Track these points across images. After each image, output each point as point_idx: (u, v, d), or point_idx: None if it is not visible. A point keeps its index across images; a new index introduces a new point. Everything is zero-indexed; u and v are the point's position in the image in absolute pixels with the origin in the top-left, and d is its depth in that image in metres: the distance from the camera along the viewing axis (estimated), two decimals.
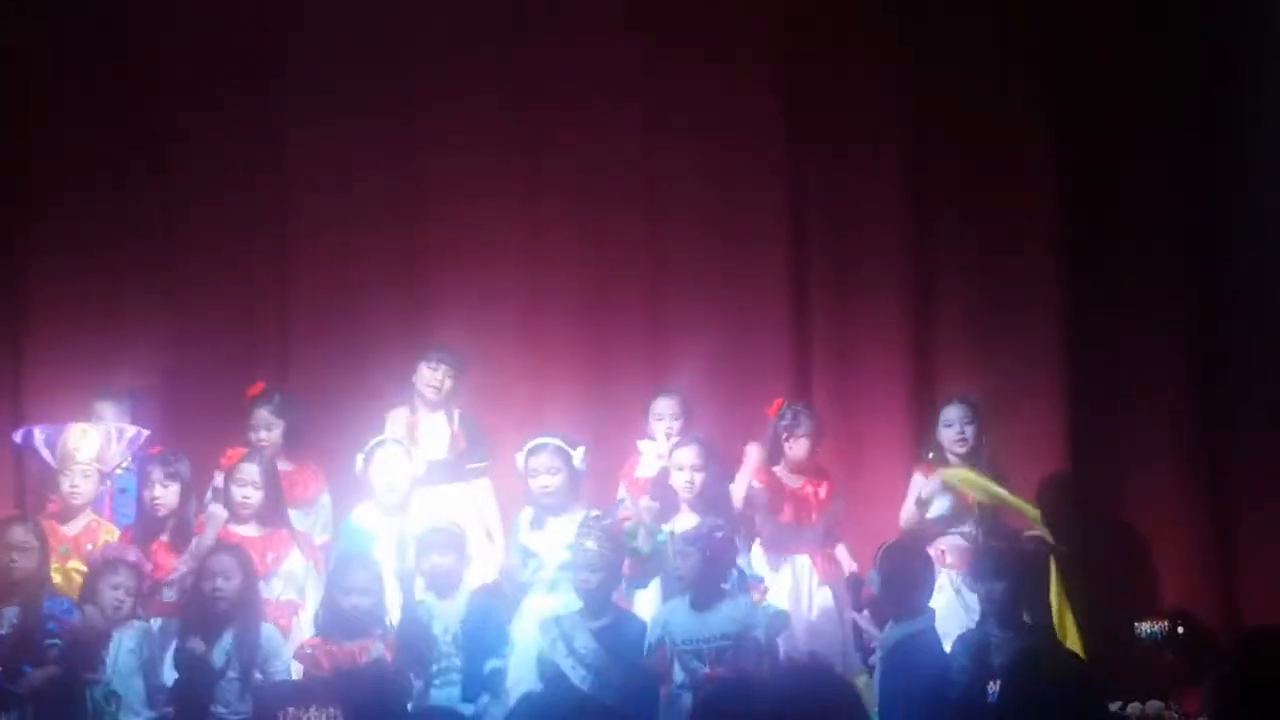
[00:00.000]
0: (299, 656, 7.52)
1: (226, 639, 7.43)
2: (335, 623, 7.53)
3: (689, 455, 8.32)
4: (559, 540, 8.03)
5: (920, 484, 8.39)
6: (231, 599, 7.47)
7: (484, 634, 7.67)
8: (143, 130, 9.38)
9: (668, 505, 8.27)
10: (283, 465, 8.45)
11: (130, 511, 8.28)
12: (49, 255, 9.32)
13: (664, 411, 8.69)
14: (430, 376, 8.67)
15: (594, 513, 8.06)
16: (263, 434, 8.52)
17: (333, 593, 7.61)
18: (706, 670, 7.38)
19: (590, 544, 7.64)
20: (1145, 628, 7.34)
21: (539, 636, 7.60)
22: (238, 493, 8.08)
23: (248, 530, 8.06)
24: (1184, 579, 8.73)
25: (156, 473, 8.07)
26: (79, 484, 8.06)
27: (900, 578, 7.34)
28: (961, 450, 8.42)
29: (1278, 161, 9.08)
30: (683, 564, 7.63)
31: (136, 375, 8.97)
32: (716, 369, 9.21)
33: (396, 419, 8.66)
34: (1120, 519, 8.95)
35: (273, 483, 8.14)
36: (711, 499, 8.27)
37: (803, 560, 8.41)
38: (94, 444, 8.12)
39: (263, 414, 8.55)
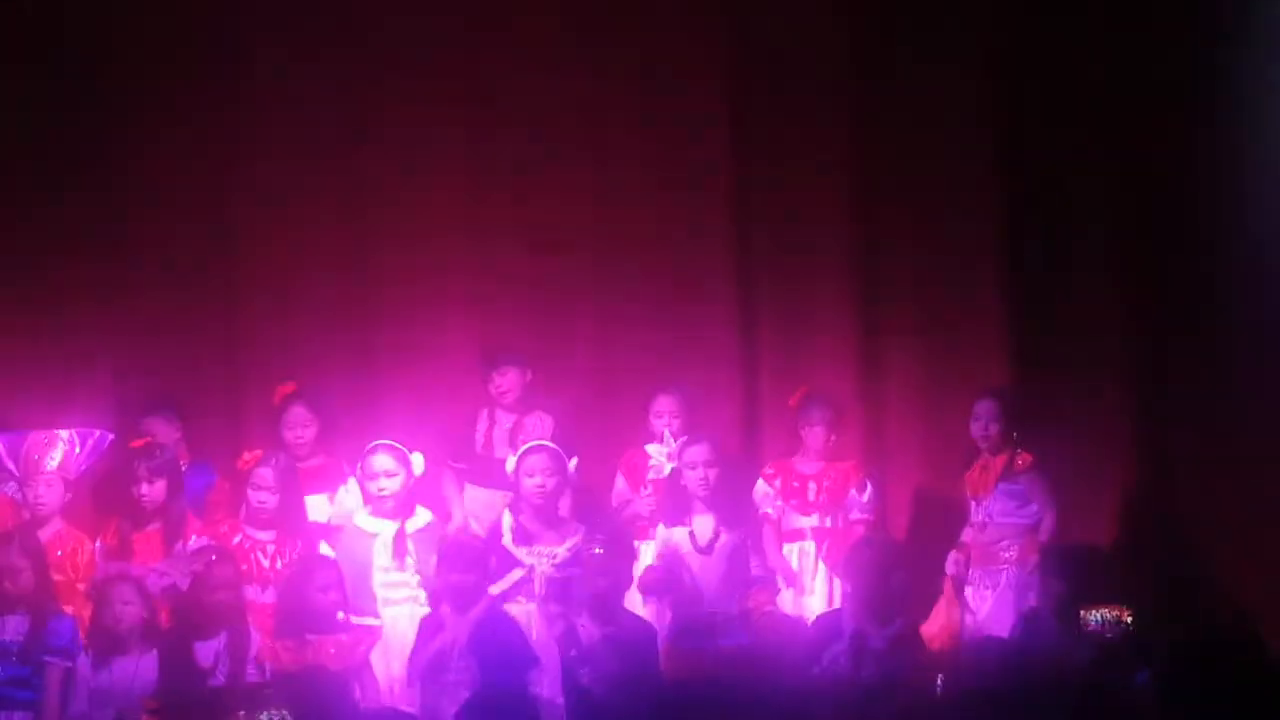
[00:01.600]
0: (260, 654, 7.55)
1: (217, 641, 7.50)
2: (295, 619, 7.59)
3: (701, 453, 8.34)
4: (544, 555, 8.10)
5: None
6: (232, 608, 7.56)
7: (499, 649, 7.60)
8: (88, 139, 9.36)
9: (681, 505, 8.33)
10: (315, 462, 8.53)
11: None
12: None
13: (664, 409, 8.71)
14: (500, 381, 8.72)
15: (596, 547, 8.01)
16: (299, 432, 8.56)
17: (296, 589, 7.67)
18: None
19: (598, 550, 7.72)
20: (1095, 616, 7.53)
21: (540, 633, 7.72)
22: (254, 497, 8.12)
23: (265, 534, 8.11)
24: (1132, 566, 8.76)
25: (141, 468, 8.04)
26: (43, 493, 8.05)
27: None
28: (985, 446, 8.53)
29: (1220, 133, 9.25)
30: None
31: (93, 380, 9.01)
32: (667, 366, 9.27)
33: (481, 423, 8.73)
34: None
35: (290, 486, 8.16)
36: (726, 496, 8.33)
37: (808, 546, 8.54)
38: (57, 452, 8.12)
39: (298, 411, 8.58)
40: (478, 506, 8.64)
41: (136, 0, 9.33)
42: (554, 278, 9.46)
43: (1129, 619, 7.21)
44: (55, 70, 9.22)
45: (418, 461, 8.38)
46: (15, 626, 7.40)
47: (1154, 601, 7.68)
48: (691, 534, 8.25)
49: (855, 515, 8.62)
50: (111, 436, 8.35)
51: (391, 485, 8.26)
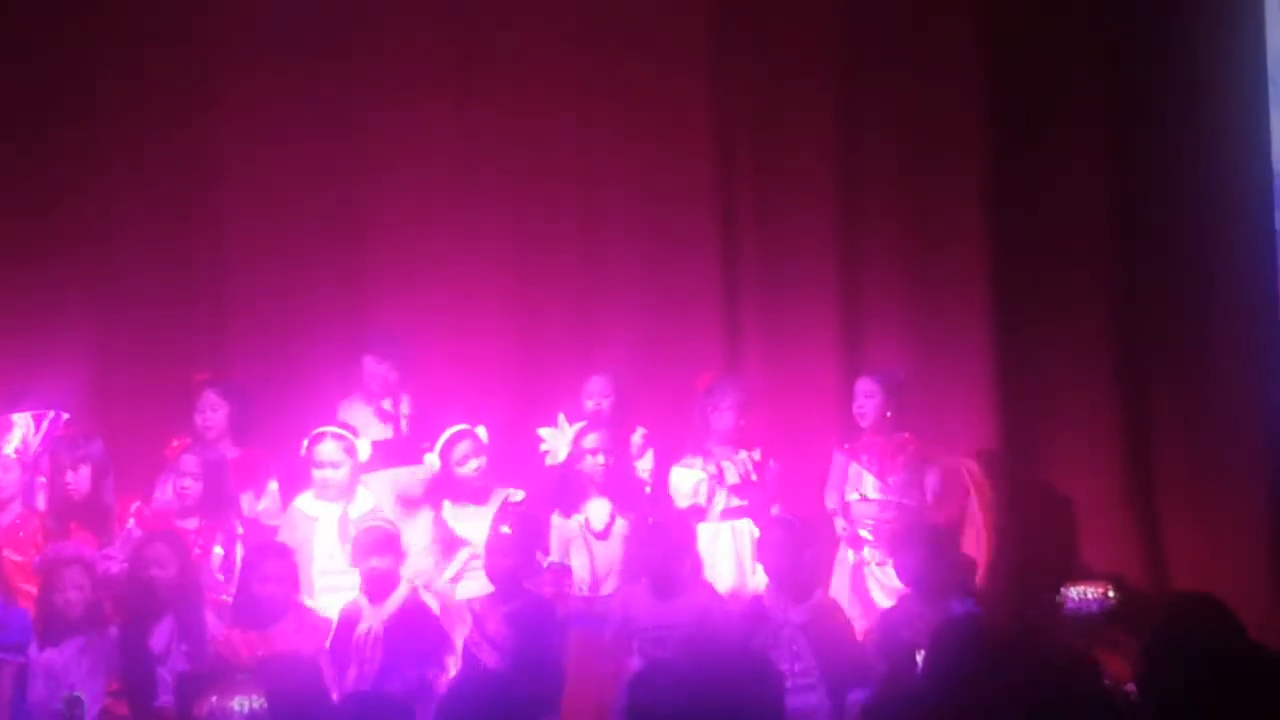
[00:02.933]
0: (214, 645, 7.47)
1: (167, 625, 7.40)
2: (248, 609, 7.51)
3: (594, 440, 8.29)
4: (481, 525, 8.01)
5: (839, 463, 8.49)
6: (170, 586, 7.43)
7: (412, 637, 7.54)
8: (73, 124, 9.38)
9: (576, 491, 8.27)
10: (230, 453, 8.42)
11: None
12: None
13: (594, 390, 8.66)
14: (376, 370, 8.65)
15: (514, 496, 8.13)
16: (208, 415, 8.48)
17: (246, 580, 7.59)
18: (667, 656, 7.32)
19: (505, 528, 7.66)
20: (1075, 593, 7.38)
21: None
22: (178, 484, 8.06)
23: (188, 523, 8.03)
24: (1111, 545, 8.80)
25: (65, 457, 7.96)
26: (1, 477, 7.99)
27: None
28: (862, 423, 8.50)
29: (1194, 94, 9.20)
30: (647, 553, 7.65)
31: (69, 369, 8.86)
32: (648, 351, 9.20)
33: (351, 410, 8.65)
34: (1047, 485, 9.01)
35: (214, 474, 8.10)
36: (619, 480, 8.27)
37: (742, 525, 8.42)
38: (14, 435, 8.07)
39: (209, 396, 8.51)
40: (404, 486, 8.52)
41: None
42: (537, 270, 9.44)
43: (1111, 594, 7.07)
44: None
45: (363, 447, 8.33)
46: None
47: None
48: (585, 521, 8.21)
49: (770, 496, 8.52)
50: (67, 417, 8.28)
51: (338, 475, 8.21)
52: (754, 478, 8.45)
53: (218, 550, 7.97)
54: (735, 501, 8.45)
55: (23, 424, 8.10)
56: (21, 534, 7.89)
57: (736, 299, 9.36)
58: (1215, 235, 9.16)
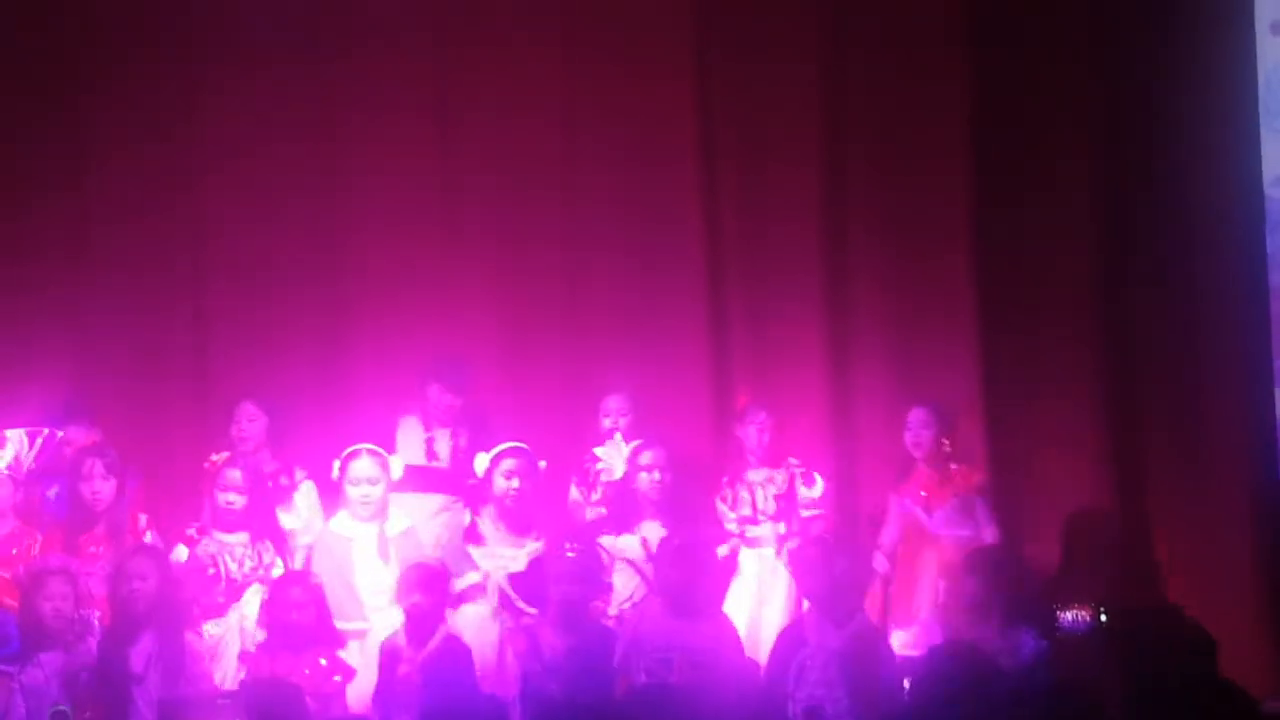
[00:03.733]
0: (246, 659, 7.51)
1: (146, 645, 7.31)
2: (276, 634, 7.48)
3: (652, 456, 8.26)
4: (501, 558, 7.99)
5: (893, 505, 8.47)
6: (148, 602, 7.35)
7: (449, 682, 7.39)
8: (56, 134, 9.34)
9: (629, 510, 8.26)
10: (268, 465, 8.43)
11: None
12: None
13: (611, 409, 8.66)
14: (441, 398, 8.58)
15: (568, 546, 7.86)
16: (245, 426, 8.47)
17: (270, 608, 7.54)
18: (673, 678, 7.31)
19: (570, 553, 7.59)
20: (1069, 615, 7.41)
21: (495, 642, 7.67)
22: (222, 499, 8.01)
23: (235, 537, 8.00)
24: (1102, 559, 8.68)
25: (97, 466, 7.93)
26: None
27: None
28: (919, 455, 8.44)
29: (1185, 113, 9.20)
30: (670, 572, 7.55)
31: (50, 385, 8.78)
32: (635, 367, 9.13)
33: (408, 428, 8.63)
34: (1038, 508, 9.00)
35: (258, 488, 8.07)
36: (676, 501, 8.23)
37: (767, 552, 8.42)
38: (7, 451, 8.05)
39: (247, 407, 8.51)
40: (419, 515, 8.45)
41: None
42: (521, 278, 9.40)
43: (1103, 616, 7.13)
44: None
45: (396, 466, 8.28)
46: None
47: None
48: (644, 540, 8.16)
49: (807, 513, 8.48)
50: (61, 434, 8.27)
51: (375, 492, 8.14)
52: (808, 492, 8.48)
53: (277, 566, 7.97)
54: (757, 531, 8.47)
55: (16, 440, 8.07)
56: (14, 550, 7.85)
57: (723, 308, 9.35)
58: (1206, 251, 9.19)
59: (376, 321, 9.27)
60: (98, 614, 7.56)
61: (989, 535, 8.31)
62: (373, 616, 7.91)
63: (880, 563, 8.38)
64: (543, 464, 8.23)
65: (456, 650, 7.49)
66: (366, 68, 9.38)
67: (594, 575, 7.65)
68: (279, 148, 9.32)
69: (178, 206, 9.33)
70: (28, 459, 8.09)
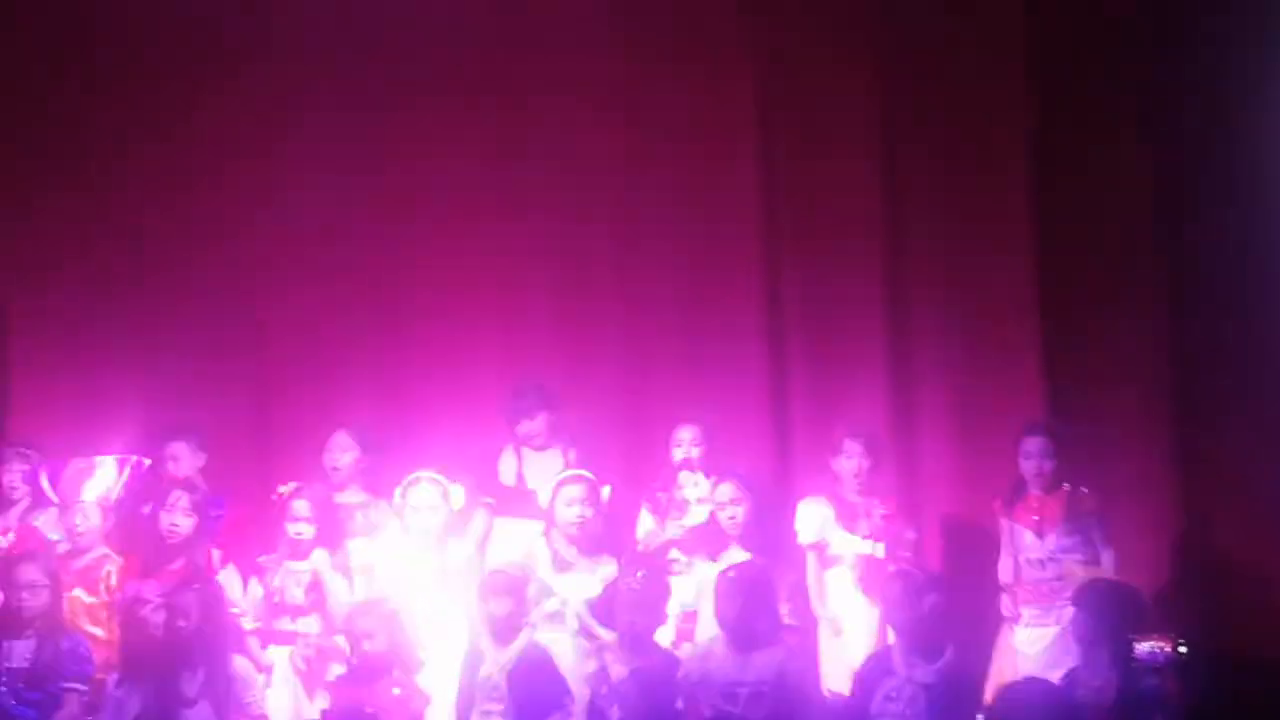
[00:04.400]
0: (330, 689, 7.60)
1: (199, 671, 7.41)
2: (354, 670, 7.54)
3: (729, 491, 8.26)
4: (582, 584, 8.02)
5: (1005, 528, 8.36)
6: (190, 635, 7.43)
7: (532, 682, 7.49)
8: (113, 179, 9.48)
9: (714, 542, 8.25)
10: (355, 496, 8.51)
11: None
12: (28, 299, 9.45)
13: (683, 439, 8.64)
14: (529, 426, 8.63)
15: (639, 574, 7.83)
16: (338, 456, 8.51)
17: (347, 636, 7.61)
18: (739, 713, 7.28)
19: (636, 584, 7.60)
20: (1145, 648, 7.44)
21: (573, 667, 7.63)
22: (291, 529, 8.08)
23: (302, 565, 8.06)
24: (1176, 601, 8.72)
25: (183, 501, 8.03)
26: (80, 523, 8.09)
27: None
28: (1040, 485, 8.32)
29: (1251, 122, 9.10)
30: (727, 604, 7.49)
31: (127, 406, 8.95)
32: (696, 389, 9.16)
33: (506, 462, 8.68)
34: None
35: (327, 518, 8.12)
36: (754, 533, 8.21)
37: (845, 573, 8.37)
38: (97, 479, 8.16)
39: (341, 438, 8.56)
40: (509, 540, 8.54)
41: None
42: (579, 310, 9.46)
43: (1181, 649, 7.13)
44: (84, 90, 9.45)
45: (457, 495, 8.32)
46: (22, 651, 7.49)
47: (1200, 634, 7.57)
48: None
49: (900, 550, 8.44)
50: (149, 462, 8.39)
51: (435, 520, 8.19)
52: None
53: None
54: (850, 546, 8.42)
55: (105, 468, 8.20)
56: (95, 575, 8.00)
57: (782, 334, 9.37)
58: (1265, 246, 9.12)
59: (438, 349, 9.37)
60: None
61: (1107, 562, 8.22)
62: (431, 643, 7.93)
63: (1007, 607, 8.30)
64: (606, 490, 8.26)
65: (539, 653, 7.59)
66: (424, 97, 9.46)
67: (658, 603, 7.64)
68: (340, 174, 9.41)
69: (241, 237, 9.42)
70: (117, 487, 8.20)
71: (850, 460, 8.45)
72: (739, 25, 9.42)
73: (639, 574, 7.65)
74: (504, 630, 7.59)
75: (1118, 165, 9.21)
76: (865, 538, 8.41)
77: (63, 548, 8.13)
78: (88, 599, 7.93)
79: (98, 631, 7.84)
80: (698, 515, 8.44)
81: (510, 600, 7.61)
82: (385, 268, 9.47)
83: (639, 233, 9.46)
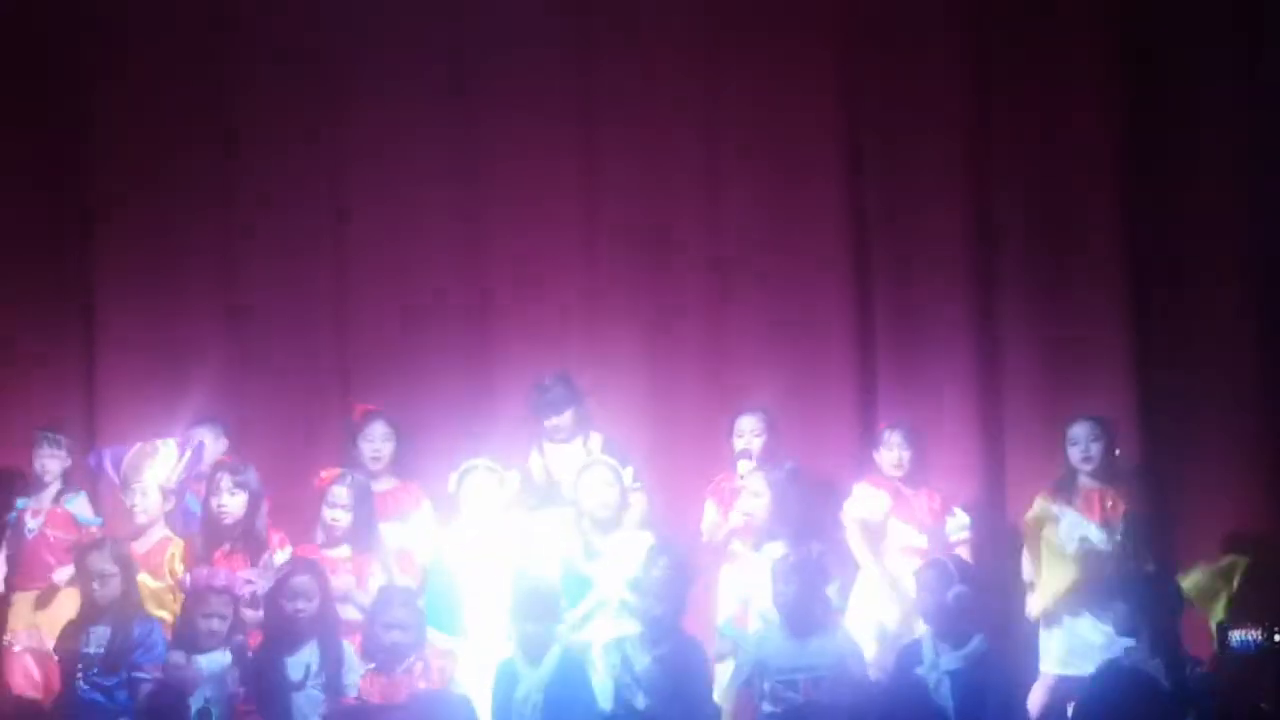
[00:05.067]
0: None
1: (305, 653, 7.44)
2: (376, 654, 7.50)
3: (758, 483, 8.26)
4: (615, 566, 7.97)
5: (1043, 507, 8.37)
6: (311, 616, 7.48)
7: (569, 700, 7.45)
8: (202, 146, 9.42)
9: (760, 529, 8.22)
10: (388, 483, 8.50)
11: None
12: (115, 275, 9.41)
13: (744, 429, 8.61)
14: (555, 421, 8.60)
15: (655, 547, 7.87)
16: (380, 445, 8.50)
17: (374, 625, 7.55)
18: (801, 700, 7.32)
19: (657, 572, 7.58)
20: (1238, 636, 7.30)
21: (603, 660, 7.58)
22: (328, 514, 8.09)
23: (338, 552, 8.06)
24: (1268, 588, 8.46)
25: (225, 480, 8.03)
26: (138, 502, 8.09)
27: None
28: (1089, 469, 8.33)
29: None
30: (783, 590, 7.54)
31: (201, 396, 8.97)
32: (782, 389, 9.09)
33: (534, 459, 8.64)
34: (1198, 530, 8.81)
35: (364, 505, 8.12)
36: (796, 523, 8.16)
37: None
38: (157, 462, 8.15)
39: (381, 426, 8.54)
40: (546, 530, 8.41)
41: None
42: (662, 291, 9.36)
43: (1276, 637, 7.13)
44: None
45: (510, 481, 8.36)
46: (99, 637, 7.49)
47: None
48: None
49: (955, 537, 8.49)
50: (225, 443, 8.52)
51: (490, 508, 8.23)
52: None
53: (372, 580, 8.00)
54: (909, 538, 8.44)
55: (167, 451, 8.19)
56: (159, 559, 8.00)
57: (871, 330, 9.28)
58: None
59: (521, 349, 9.29)
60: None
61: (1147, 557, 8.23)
62: (477, 634, 7.95)
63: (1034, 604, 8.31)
64: (629, 471, 8.23)
65: (573, 668, 7.54)
66: (509, 83, 9.39)
67: (677, 594, 7.60)
68: (421, 159, 9.40)
69: (322, 214, 9.43)
70: (178, 469, 8.20)
71: (890, 451, 8.49)
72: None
73: (661, 562, 7.61)
74: (536, 648, 7.53)
75: (1210, 168, 9.12)
76: (918, 528, 8.45)
77: (95, 532, 8.20)
78: (153, 583, 7.93)
79: (164, 615, 7.83)
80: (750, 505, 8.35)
81: (542, 620, 7.57)
82: (465, 246, 9.45)
83: (724, 209, 9.37)
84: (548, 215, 9.37)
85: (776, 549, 8.00)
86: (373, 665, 7.45)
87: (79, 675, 7.45)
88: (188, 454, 8.22)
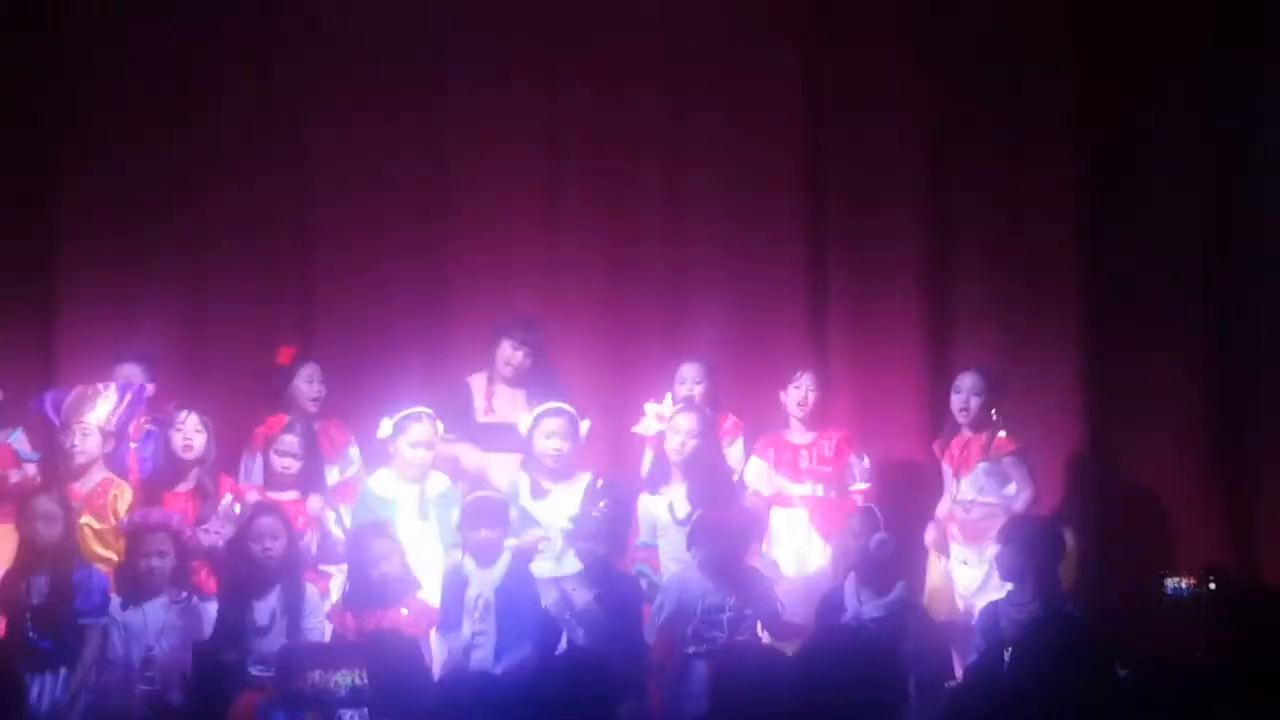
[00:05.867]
0: (332, 621, 7.54)
1: (272, 598, 7.45)
2: (363, 595, 7.48)
3: (687, 421, 8.23)
4: (561, 508, 7.99)
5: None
6: (279, 559, 7.48)
7: (518, 599, 7.57)
8: (167, 92, 9.39)
9: (659, 472, 8.25)
10: (321, 425, 8.44)
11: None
12: (78, 221, 9.39)
13: (686, 376, 8.62)
14: (512, 355, 8.58)
15: (599, 482, 8.01)
16: (319, 387, 8.52)
17: (356, 565, 7.56)
18: (724, 638, 7.42)
19: (596, 514, 7.63)
20: (1172, 583, 7.30)
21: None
22: (278, 462, 8.06)
23: (287, 496, 8.03)
24: (1204, 540, 8.69)
25: (192, 419, 8.03)
26: (79, 442, 8.07)
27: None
28: (964, 420, 8.32)
29: None
30: (707, 548, 7.55)
31: (159, 339, 9.03)
32: (735, 339, 9.17)
33: (477, 383, 8.64)
34: (1139, 482, 8.92)
35: (313, 451, 8.12)
36: (702, 466, 8.17)
37: (799, 514, 8.41)
38: (96, 403, 8.14)
39: (317, 368, 8.56)
40: (489, 472, 8.43)
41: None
42: (622, 237, 9.39)
43: (1211, 584, 7.13)
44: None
45: (439, 427, 8.30)
46: (39, 588, 7.49)
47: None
48: (670, 505, 8.16)
49: (854, 485, 8.50)
50: (152, 388, 8.36)
51: (430, 457, 8.19)
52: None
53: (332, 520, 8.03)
54: (795, 489, 8.47)
55: (108, 394, 8.18)
56: (102, 501, 7.99)
57: (824, 290, 9.32)
58: None
59: (480, 293, 9.30)
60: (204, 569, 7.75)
61: (1022, 501, 8.17)
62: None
63: (930, 533, 8.33)
64: (585, 423, 8.21)
65: (524, 572, 7.68)
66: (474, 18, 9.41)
67: (617, 535, 7.66)
68: (383, 102, 9.39)
69: (284, 179, 9.43)
70: (118, 412, 8.17)
71: (798, 390, 8.50)
72: None
73: (601, 504, 7.66)
74: (487, 553, 7.62)
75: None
76: (807, 480, 8.46)
77: (34, 471, 8.26)
78: (97, 524, 7.93)
79: (111, 555, 7.83)
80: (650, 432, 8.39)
81: (494, 526, 7.66)
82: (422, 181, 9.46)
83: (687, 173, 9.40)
84: (512, 171, 9.40)
85: (679, 493, 8.08)
86: (351, 607, 7.44)
87: (27, 624, 7.45)
88: (128, 396, 8.20)
